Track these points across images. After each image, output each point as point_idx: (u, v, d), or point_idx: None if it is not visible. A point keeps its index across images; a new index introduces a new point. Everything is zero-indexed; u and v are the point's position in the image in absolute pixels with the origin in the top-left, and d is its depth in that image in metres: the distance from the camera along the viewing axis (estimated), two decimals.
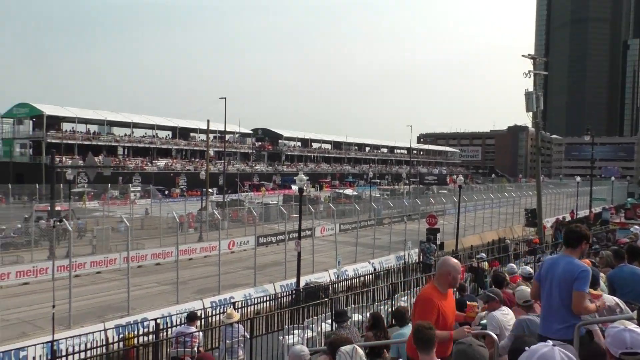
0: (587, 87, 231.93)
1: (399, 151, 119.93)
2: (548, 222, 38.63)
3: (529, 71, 29.58)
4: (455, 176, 38.50)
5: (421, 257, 19.88)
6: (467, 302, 6.56)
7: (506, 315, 6.03)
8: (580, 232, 4.41)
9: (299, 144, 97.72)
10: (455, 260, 4.29)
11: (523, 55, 30.11)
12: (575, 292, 4.11)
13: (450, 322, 4.17)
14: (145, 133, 75.37)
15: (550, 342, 1.92)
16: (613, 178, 71.55)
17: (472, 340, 3.13)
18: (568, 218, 44.14)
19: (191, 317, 9.62)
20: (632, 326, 2.59)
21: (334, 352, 4.02)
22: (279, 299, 16.53)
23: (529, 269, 10.55)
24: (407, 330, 5.95)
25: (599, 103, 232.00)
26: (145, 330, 13.62)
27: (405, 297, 14.88)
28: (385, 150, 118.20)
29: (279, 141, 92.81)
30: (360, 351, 3.87)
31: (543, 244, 27.94)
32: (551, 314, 4.21)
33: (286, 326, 11.44)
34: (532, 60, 30.21)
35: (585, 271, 4.18)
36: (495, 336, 4.69)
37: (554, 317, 4.18)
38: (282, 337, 10.97)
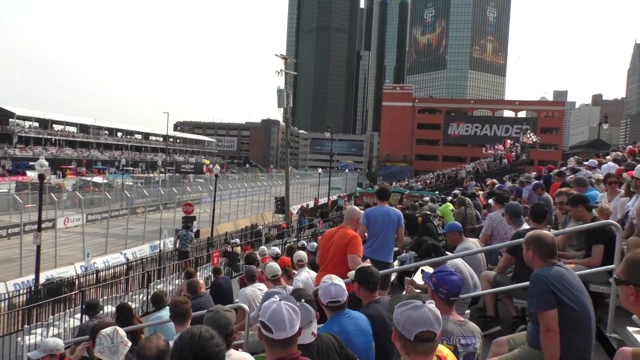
0: (329, 89, 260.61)
1: (154, 138, 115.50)
2: (294, 208, 42.55)
3: (281, 70, 32.09)
4: (211, 165, 39.28)
5: (177, 244, 19.88)
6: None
7: (255, 291, 6.73)
8: (389, 189, 6.65)
9: (36, 124, 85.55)
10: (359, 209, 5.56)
11: (276, 55, 32.50)
12: (401, 228, 6.05)
13: None
14: None
15: (278, 298, 2.24)
16: (347, 170, 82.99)
17: (219, 307, 3.47)
18: (312, 205, 49.58)
19: None
20: (337, 280, 3.22)
21: (95, 338, 3.95)
22: (13, 299, 14.58)
23: (277, 250, 11.71)
24: (165, 312, 6.03)
25: (338, 104, 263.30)
26: None
27: (161, 285, 14.81)
28: (139, 136, 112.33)
29: (10, 120, 79.64)
30: (122, 332, 3.88)
31: (289, 228, 30.78)
32: (385, 246, 5.83)
33: (26, 326, 10.30)
34: (283, 60, 32.85)
35: (400, 212, 6.29)
36: (246, 307, 5.30)
37: (387, 248, 5.83)
38: (20, 339, 9.85)
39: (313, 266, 7.85)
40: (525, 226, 5.36)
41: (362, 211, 5.87)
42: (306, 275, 6.89)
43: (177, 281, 15.34)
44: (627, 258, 1.93)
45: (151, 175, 74.36)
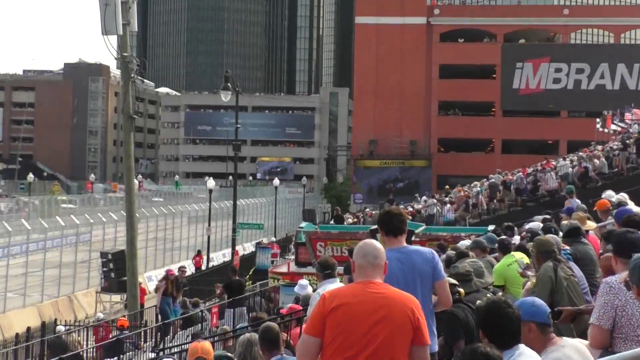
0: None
1: None
2: (151, 279, 42.71)
3: None
4: None
5: None
6: None
7: None
8: (403, 215, 7.81)
9: None
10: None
11: None
12: (442, 282, 7.47)
13: None
14: None
15: None
16: (276, 182, 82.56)
17: None
18: (193, 269, 49.27)
19: None
20: None
21: None
22: None
23: None
24: None
25: (250, 29, 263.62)
26: None
27: None
28: None
29: None
30: None
31: (139, 329, 30.65)
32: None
33: None
34: None
35: (433, 251, 7.61)
36: None
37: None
38: None
39: None
40: None
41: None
42: None
43: None
44: None
45: None
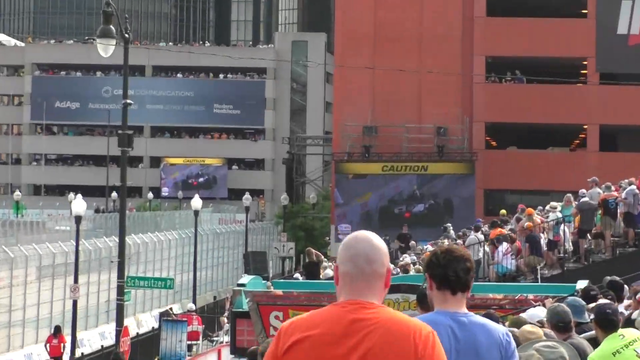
0: None
1: None
2: None
3: None
4: None
5: None
6: None
7: None
8: (470, 258, 7.75)
9: None
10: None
11: None
12: None
13: None
14: None
15: None
16: (200, 205, 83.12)
17: None
18: None
19: None
20: None
21: None
22: None
23: None
24: None
25: None
26: None
27: None
28: None
29: None
30: None
31: None
32: None
33: None
34: None
35: (507, 333, 7.77)
36: None
37: None
38: None
39: None
40: None
41: None
42: None
43: None
44: None
45: None
